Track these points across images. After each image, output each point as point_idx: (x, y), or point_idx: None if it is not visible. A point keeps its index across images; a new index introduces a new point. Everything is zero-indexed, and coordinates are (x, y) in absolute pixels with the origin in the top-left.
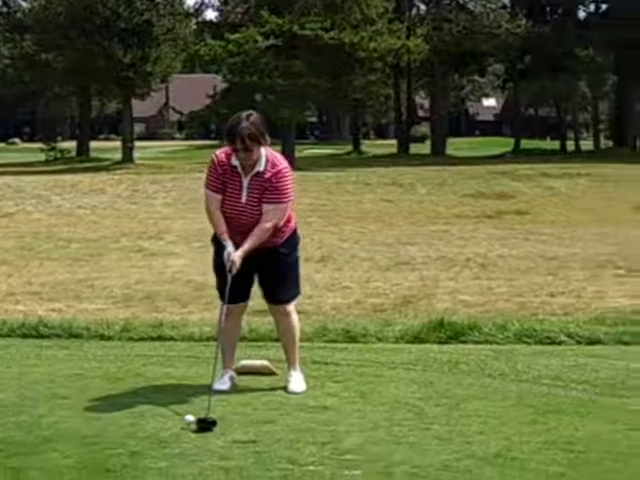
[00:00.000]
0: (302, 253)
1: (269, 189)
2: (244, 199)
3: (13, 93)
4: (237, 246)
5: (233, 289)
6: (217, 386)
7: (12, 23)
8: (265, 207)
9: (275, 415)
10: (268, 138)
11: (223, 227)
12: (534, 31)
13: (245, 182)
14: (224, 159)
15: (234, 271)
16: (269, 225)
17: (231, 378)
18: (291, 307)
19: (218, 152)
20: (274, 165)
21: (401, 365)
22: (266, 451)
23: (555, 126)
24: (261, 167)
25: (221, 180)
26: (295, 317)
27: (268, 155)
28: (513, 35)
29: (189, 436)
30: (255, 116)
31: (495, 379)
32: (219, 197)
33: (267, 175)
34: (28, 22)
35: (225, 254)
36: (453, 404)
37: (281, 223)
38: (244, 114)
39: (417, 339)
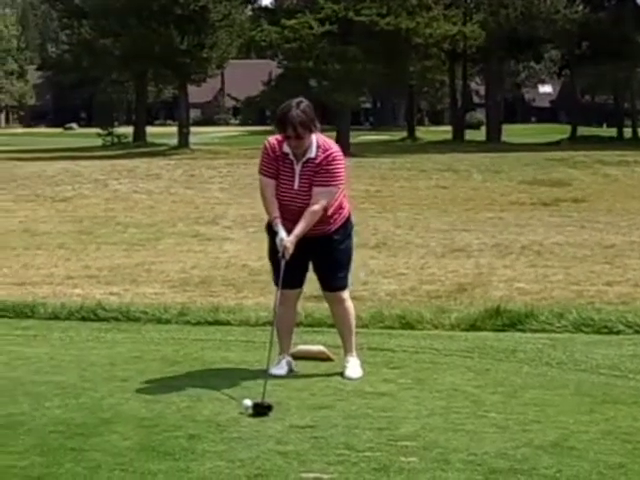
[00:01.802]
0: (355, 240)
1: (320, 172)
2: (296, 185)
3: (71, 79)
4: (289, 232)
5: (287, 275)
6: (274, 371)
7: (70, 9)
8: (315, 190)
9: (332, 400)
10: (318, 124)
11: (276, 212)
12: (592, 17)
13: (297, 168)
14: (276, 145)
15: (287, 256)
16: (317, 207)
17: (288, 363)
18: (345, 294)
19: (270, 138)
20: (325, 150)
21: (457, 352)
22: (323, 436)
23: (612, 113)
24: (312, 153)
25: (274, 166)
26: (350, 304)
27: (319, 140)
28: (570, 21)
29: (247, 420)
30: (305, 103)
31: (552, 368)
32: (273, 182)
33: (318, 160)
34: (86, 8)
35: (278, 239)
36: (510, 392)
37: (331, 209)
38: (294, 102)
39: (473, 327)
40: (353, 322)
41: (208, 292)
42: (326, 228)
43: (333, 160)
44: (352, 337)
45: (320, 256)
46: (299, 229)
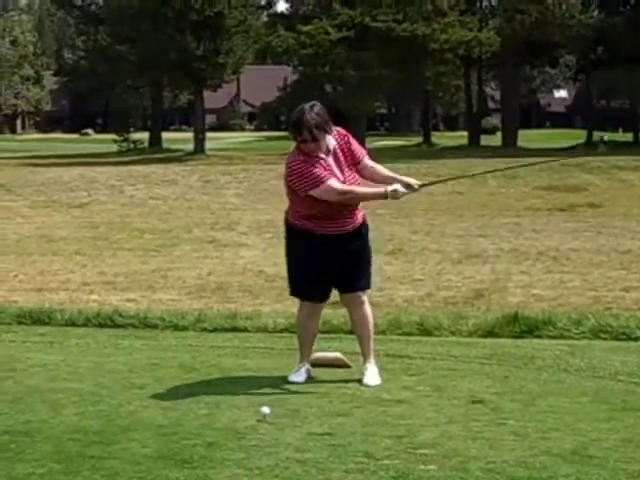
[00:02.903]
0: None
1: (353, 152)
2: (340, 176)
3: (87, 85)
4: (326, 236)
5: (321, 286)
6: (293, 378)
7: (87, 15)
8: (364, 163)
9: (350, 408)
10: (332, 125)
11: (360, 188)
12: (607, 22)
13: (330, 161)
14: (301, 155)
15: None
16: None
17: (307, 371)
18: (365, 297)
19: (294, 155)
20: (340, 135)
21: (475, 359)
22: (341, 444)
23: (628, 118)
24: (332, 143)
25: (322, 166)
26: (369, 308)
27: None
28: (585, 26)
29: (265, 428)
30: (318, 106)
31: (571, 375)
32: (333, 178)
33: (341, 143)
34: (102, 14)
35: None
36: (529, 399)
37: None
38: (307, 106)
39: (491, 333)
40: (372, 327)
41: (225, 298)
42: (356, 221)
43: (349, 138)
44: (370, 342)
45: (349, 254)
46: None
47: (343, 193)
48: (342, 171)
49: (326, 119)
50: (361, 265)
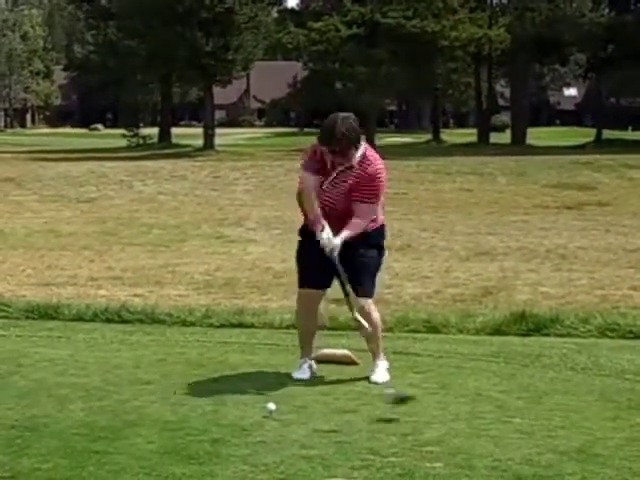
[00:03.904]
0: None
1: (362, 186)
2: (325, 186)
3: (97, 79)
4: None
5: (313, 273)
6: (297, 375)
7: (96, 10)
8: (357, 205)
9: (356, 405)
10: (362, 139)
11: (317, 210)
12: (617, 20)
13: (337, 173)
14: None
15: (335, 253)
16: (360, 221)
17: (310, 367)
18: (368, 304)
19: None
20: (370, 163)
21: (482, 357)
22: (347, 441)
23: (637, 116)
24: (354, 161)
25: (318, 166)
26: (373, 312)
27: (367, 152)
28: (596, 24)
29: (271, 424)
30: (351, 119)
31: (578, 373)
32: (316, 179)
33: (360, 170)
34: (112, 9)
35: (324, 235)
36: (535, 397)
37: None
38: (340, 116)
39: (498, 331)
40: (378, 330)
41: (232, 294)
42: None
43: (377, 174)
44: (378, 342)
45: (347, 259)
46: (345, 234)
47: (303, 190)
48: (335, 183)
49: (357, 134)
50: (361, 272)
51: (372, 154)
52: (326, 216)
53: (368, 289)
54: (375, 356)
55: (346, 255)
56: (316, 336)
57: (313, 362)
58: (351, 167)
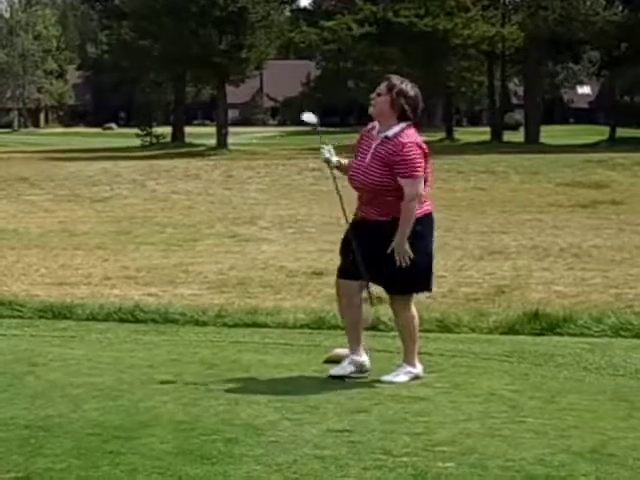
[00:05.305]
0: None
1: (398, 162)
2: (368, 160)
3: (110, 79)
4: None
5: (348, 264)
6: (333, 371)
7: (110, 10)
8: (399, 181)
9: (369, 404)
10: (410, 114)
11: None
12: (631, 18)
13: (373, 145)
14: (367, 127)
15: (407, 258)
16: (406, 200)
17: (352, 363)
18: (404, 301)
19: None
20: (402, 137)
21: (495, 356)
22: (360, 441)
23: None
24: (390, 132)
25: (357, 145)
26: (409, 312)
27: (407, 130)
28: (609, 22)
29: (284, 424)
30: (414, 90)
31: (591, 373)
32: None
33: (393, 143)
34: (126, 9)
35: (325, 147)
36: (548, 397)
37: (381, 197)
38: (411, 83)
39: (511, 330)
40: (412, 331)
41: (246, 293)
42: (377, 215)
43: (406, 146)
44: (409, 344)
45: (368, 245)
46: (401, 228)
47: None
48: (374, 159)
49: (407, 102)
50: (388, 264)
51: (410, 132)
52: (365, 192)
53: (401, 287)
54: (403, 357)
55: (359, 237)
56: (362, 334)
57: (358, 357)
58: (387, 138)
